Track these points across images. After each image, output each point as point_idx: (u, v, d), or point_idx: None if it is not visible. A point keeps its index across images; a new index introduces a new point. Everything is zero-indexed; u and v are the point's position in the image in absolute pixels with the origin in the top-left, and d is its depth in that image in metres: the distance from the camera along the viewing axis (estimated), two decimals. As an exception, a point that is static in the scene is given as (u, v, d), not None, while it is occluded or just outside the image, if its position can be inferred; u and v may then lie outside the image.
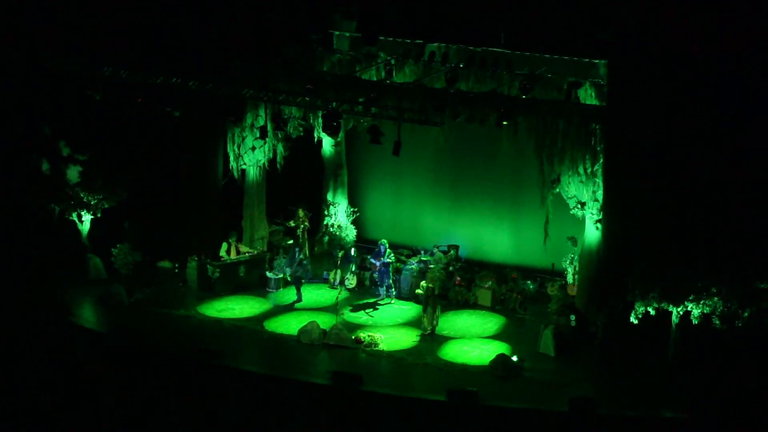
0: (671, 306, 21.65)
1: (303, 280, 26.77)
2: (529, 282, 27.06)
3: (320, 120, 26.47)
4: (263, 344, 24.28)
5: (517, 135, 24.55)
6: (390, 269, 26.76)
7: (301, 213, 28.72)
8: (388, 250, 26.76)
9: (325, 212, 29.68)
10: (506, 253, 28.56)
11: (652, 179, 22.57)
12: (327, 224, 29.60)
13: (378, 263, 26.69)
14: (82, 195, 26.65)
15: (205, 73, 25.40)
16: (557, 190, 24.68)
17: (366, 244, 29.70)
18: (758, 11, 21.57)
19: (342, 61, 27.46)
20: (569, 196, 24.65)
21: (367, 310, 26.07)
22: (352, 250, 28.41)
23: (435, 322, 24.93)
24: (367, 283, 27.61)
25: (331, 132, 24.80)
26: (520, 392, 21.71)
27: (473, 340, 24.55)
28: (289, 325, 24.99)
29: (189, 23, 26.44)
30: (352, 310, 25.98)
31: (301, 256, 26.81)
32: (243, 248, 27.56)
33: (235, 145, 28.10)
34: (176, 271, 27.40)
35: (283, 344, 24.17)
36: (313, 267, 28.17)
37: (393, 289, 26.70)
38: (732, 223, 21.90)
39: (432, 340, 24.42)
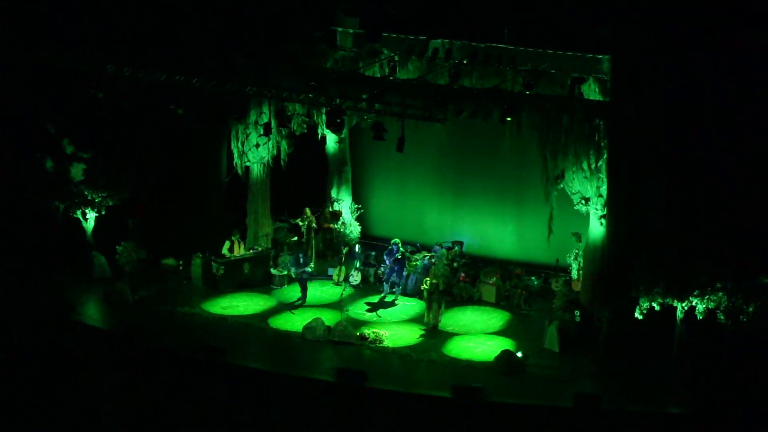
0: (676, 301, 21.63)
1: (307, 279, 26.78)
2: (533, 278, 27.08)
3: (324, 117, 26.48)
4: (268, 341, 24.30)
5: (520, 131, 24.55)
6: (404, 264, 26.73)
7: (308, 212, 28.72)
8: (401, 249, 26.72)
9: (329, 209, 29.69)
10: (510, 249, 28.59)
11: (656, 174, 22.53)
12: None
13: (389, 261, 26.61)
14: (86, 193, 26.69)
15: (208, 70, 25.44)
16: (561, 185, 24.64)
17: (370, 240, 29.72)
18: (761, 5, 21.52)
19: (345, 58, 27.49)
20: (573, 191, 24.60)
21: (378, 312, 26.03)
22: (357, 247, 28.41)
23: (439, 318, 24.94)
24: (372, 279, 27.60)
25: (335, 129, 24.85)
26: (524, 388, 21.71)
27: (478, 336, 24.55)
28: (293, 322, 25.00)
29: (192, 21, 26.44)
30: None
31: (307, 261, 26.74)
32: (241, 250, 27.43)
33: (239, 142, 28.10)
34: (180, 268, 27.41)
35: (288, 341, 24.18)
36: (317, 264, 28.20)
37: (398, 287, 26.67)
38: (736, 218, 21.86)
39: (436, 336, 24.42)
